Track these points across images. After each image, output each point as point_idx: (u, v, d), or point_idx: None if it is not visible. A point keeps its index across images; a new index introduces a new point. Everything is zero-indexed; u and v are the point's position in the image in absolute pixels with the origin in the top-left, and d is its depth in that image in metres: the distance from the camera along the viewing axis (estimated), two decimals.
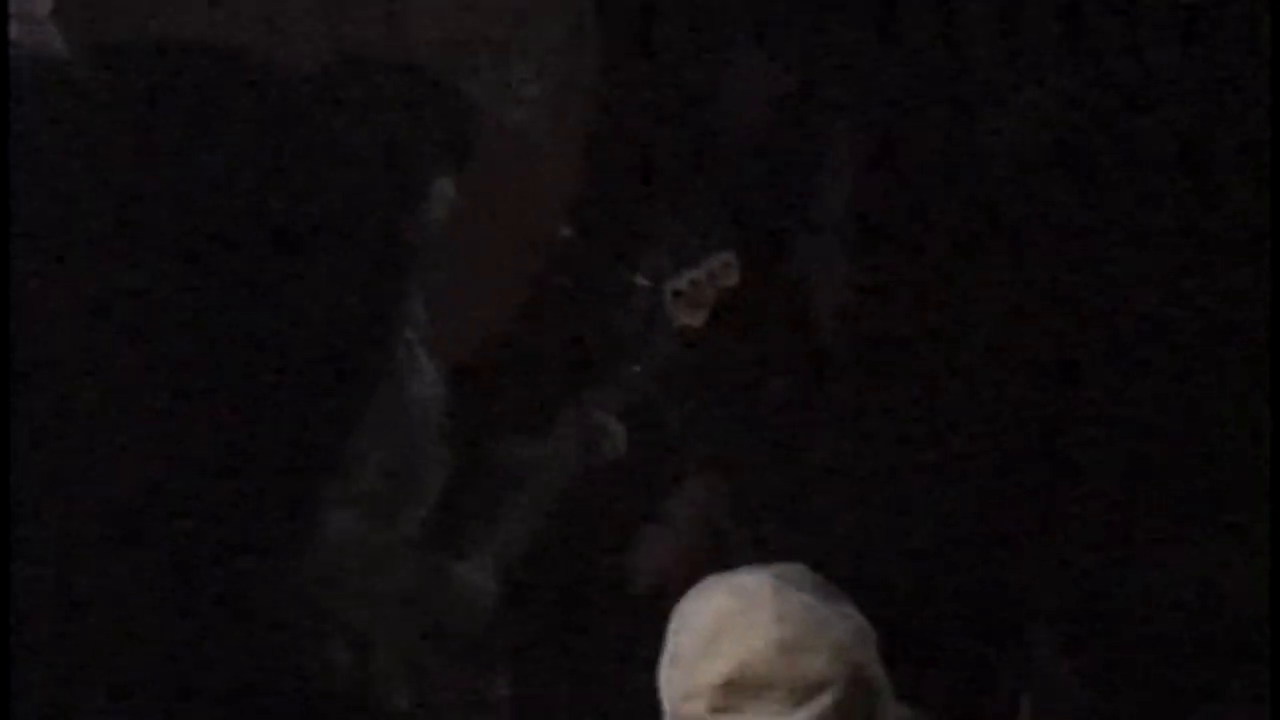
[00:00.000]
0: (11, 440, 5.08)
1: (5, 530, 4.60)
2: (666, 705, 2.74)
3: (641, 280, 5.33)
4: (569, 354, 5.45)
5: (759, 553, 3.43)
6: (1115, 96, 6.28)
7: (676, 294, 5.22)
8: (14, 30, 5.31)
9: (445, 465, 5.00)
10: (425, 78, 5.13)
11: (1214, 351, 6.31)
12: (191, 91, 5.50)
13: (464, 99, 5.08)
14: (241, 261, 5.33)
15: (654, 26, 5.88)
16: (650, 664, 2.77)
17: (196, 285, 5.36)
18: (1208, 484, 6.01)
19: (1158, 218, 6.24)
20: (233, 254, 5.33)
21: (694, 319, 5.19)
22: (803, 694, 2.66)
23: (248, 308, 5.24)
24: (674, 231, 5.65)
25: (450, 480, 5.01)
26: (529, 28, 5.66)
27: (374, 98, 5.18)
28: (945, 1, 6.11)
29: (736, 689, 2.67)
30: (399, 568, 4.97)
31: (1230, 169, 6.38)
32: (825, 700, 2.65)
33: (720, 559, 3.37)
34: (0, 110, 5.15)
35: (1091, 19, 6.31)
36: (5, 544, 4.75)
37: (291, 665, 5.24)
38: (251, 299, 5.29)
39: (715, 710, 2.67)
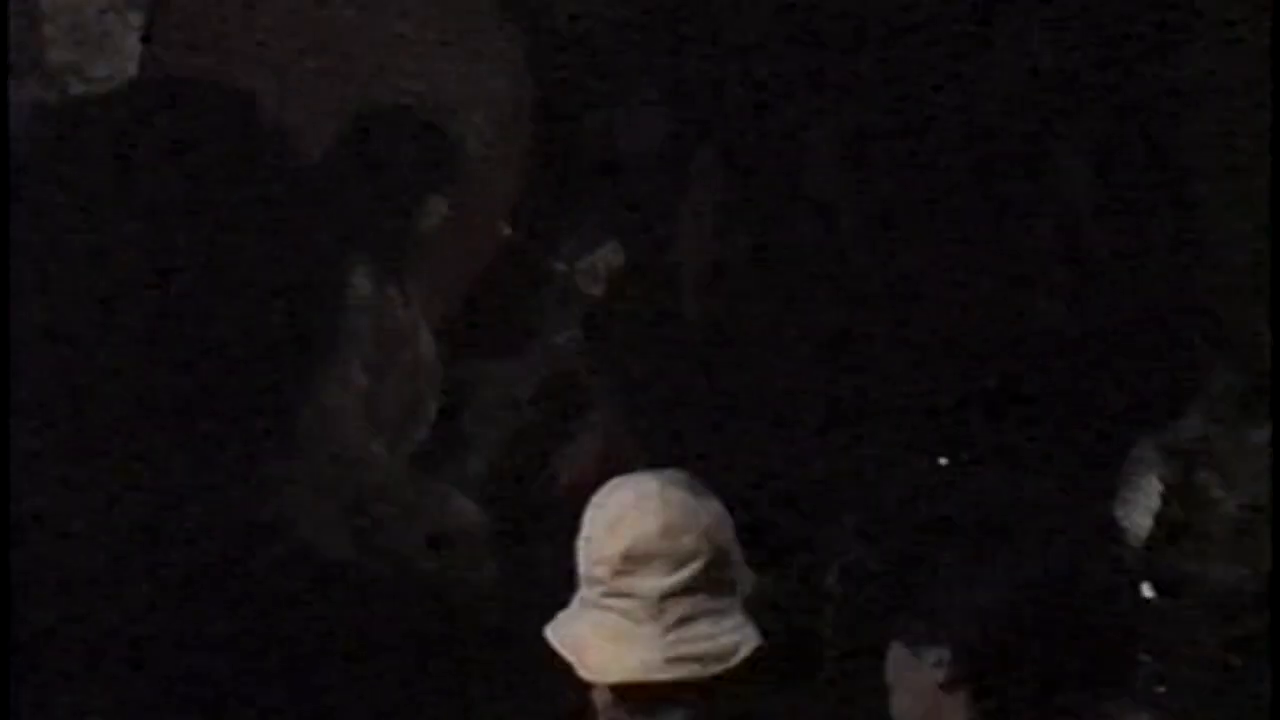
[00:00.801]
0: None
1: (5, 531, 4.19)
2: (582, 570, 2.98)
3: (559, 264, 5.65)
4: (513, 314, 5.73)
5: (650, 462, 3.40)
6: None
7: (582, 272, 5.58)
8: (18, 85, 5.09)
9: (436, 398, 5.19)
10: (419, 120, 5.41)
11: None
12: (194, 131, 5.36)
13: (447, 136, 5.37)
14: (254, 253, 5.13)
15: (569, 77, 6.25)
16: (573, 540, 3.01)
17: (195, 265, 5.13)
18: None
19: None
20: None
21: (595, 290, 5.55)
22: (678, 563, 2.93)
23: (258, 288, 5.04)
24: (582, 227, 5.97)
25: (440, 410, 5.21)
26: (483, 82, 6.00)
27: (376, 134, 5.38)
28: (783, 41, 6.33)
29: (631, 559, 2.92)
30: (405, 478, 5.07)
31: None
32: (695, 566, 2.93)
33: (621, 466, 3.20)
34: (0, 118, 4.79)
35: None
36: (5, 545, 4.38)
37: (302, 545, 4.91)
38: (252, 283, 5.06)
39: (616, 574, 2.92)
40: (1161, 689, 3.77)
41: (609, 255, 5.51)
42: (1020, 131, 6.60)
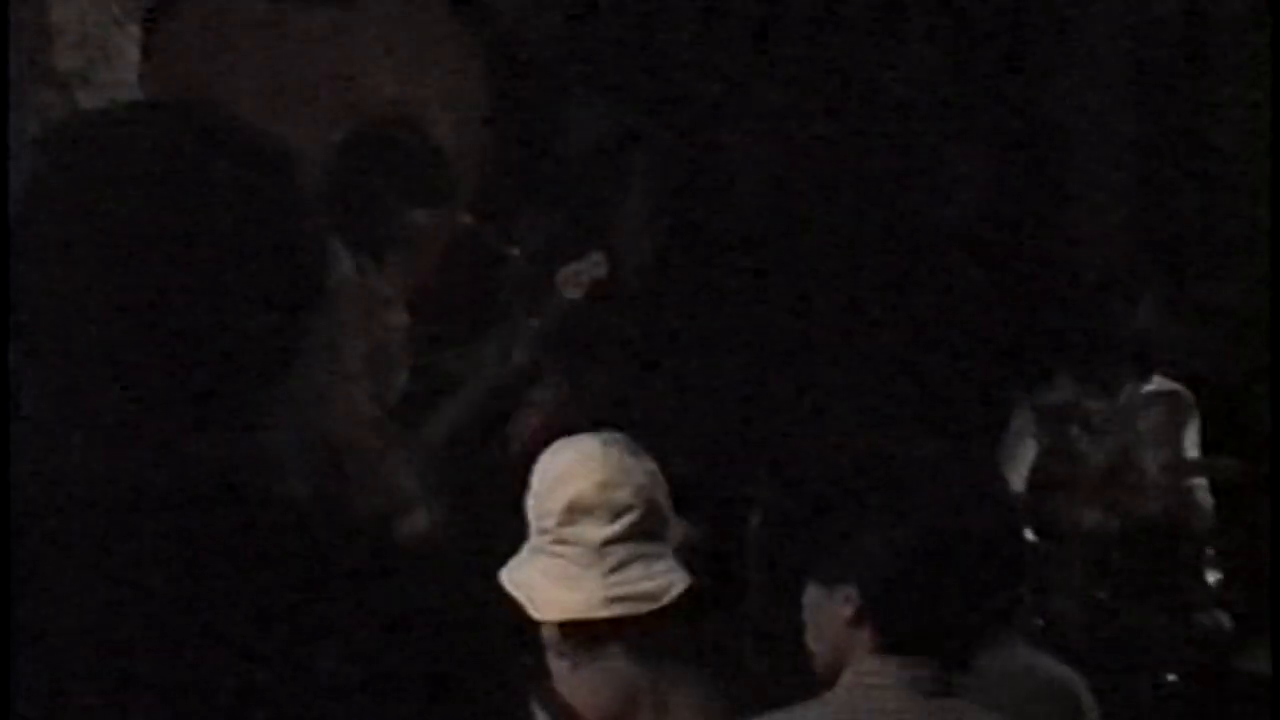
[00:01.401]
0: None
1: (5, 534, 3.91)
2: (532, 520, 3.00)
3: (513, 250, 5.41)
4: (478, 299, 5.65)
5: (592, 425, 3.28)
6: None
7: (565, 278, 5.22)
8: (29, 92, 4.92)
9: (407, 365, 5.06)
10: (409, 134, 5.16)
11: None
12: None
13: (437, 150, 5.15)
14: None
15: (521, 83, 6.25)
16: (523, 490, 3.03)
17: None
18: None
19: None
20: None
21: (575, 294, 5.20)
22: (616, 514, 2.94)
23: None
24: (561, 235, 5.85)
25: (410, 375, 5.07)
26: (446, 87, 6.03)
27: (367, 146, 5.08)
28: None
29: (574, 511, 2.94)
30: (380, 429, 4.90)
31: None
32: (631, 517, 2.94)
33: (566, 430, 3.22)
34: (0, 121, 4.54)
35: None
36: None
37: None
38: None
39: (561, 524, 2.94)
40: (1039, 621, 3.80)
41: (592, 267, 5.28)
42: (921, 130, 6.58)
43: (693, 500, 3.31)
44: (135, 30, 5.36)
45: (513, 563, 3.00)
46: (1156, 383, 5.58)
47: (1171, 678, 4.22)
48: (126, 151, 1.55)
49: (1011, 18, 6.56)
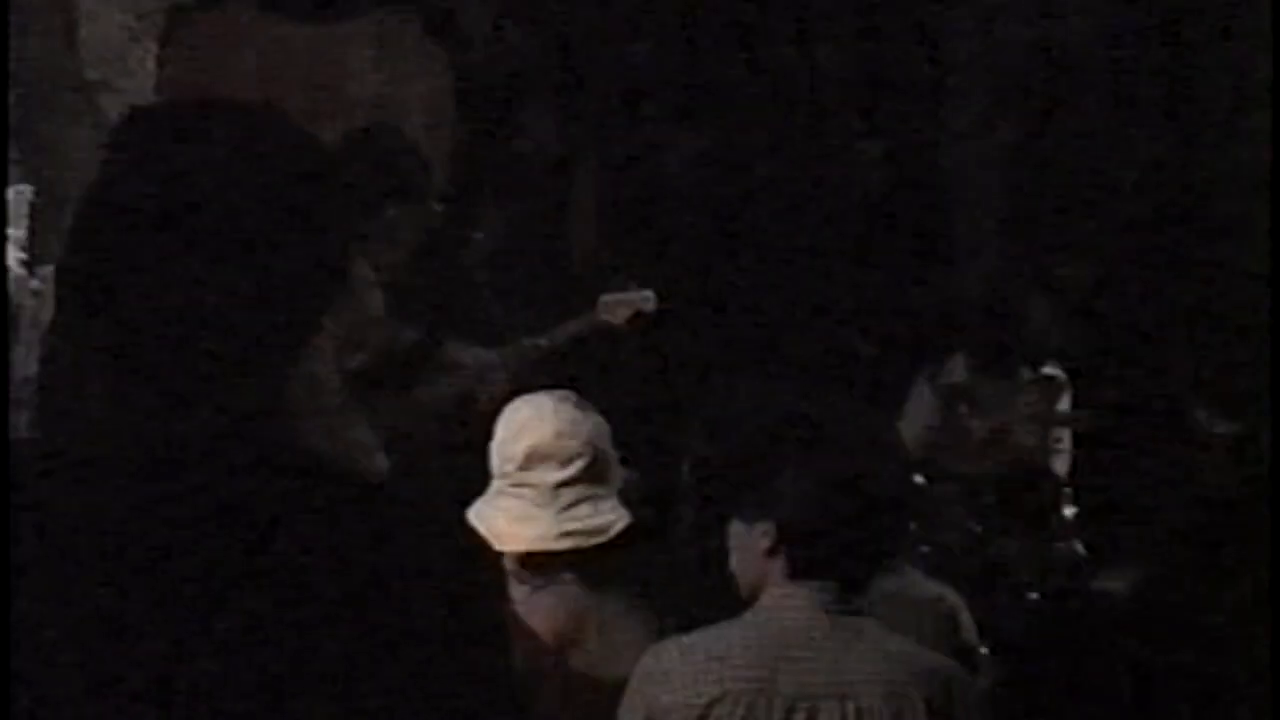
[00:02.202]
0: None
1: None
2: (495, 466, 2.99)
3: (476, 235, 5.36)
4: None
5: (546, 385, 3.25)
6: None
7: (607, 304, 4.95)
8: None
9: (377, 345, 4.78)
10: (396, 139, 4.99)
11: None
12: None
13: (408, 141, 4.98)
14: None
15: (482, 90, 6.16)
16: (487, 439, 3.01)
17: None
18: None
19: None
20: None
21: (614, 318, 4.92)
22: (567, 460, 2.94)
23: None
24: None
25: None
26: (416, 93, 5.99)
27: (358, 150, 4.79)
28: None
29: (532, 458, 2.93)
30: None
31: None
32: (580, 463, 2.94)
33: (526, 390, 3.19)
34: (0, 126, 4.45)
35: None
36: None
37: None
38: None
39: (520, 469, 2.93)
40: (925, 549, 3.82)
41: (641, 301, 4.91)
42: (829, 130, 6.54)
43: (633, 449, 3.29)
44: (151, 45, 5.33)
45: (478, 504, 2.98)
46: (1043, 370, 5.57)
47: (1034, 596, 4.23)
48: (190, 143, 1.51)
49: (904, 33, 6.53)
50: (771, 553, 2.73)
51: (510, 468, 2.94)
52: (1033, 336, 5.57)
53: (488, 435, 3.02)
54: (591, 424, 2.99)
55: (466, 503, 2.96)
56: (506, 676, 1.52)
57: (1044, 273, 6.02)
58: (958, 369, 5.57)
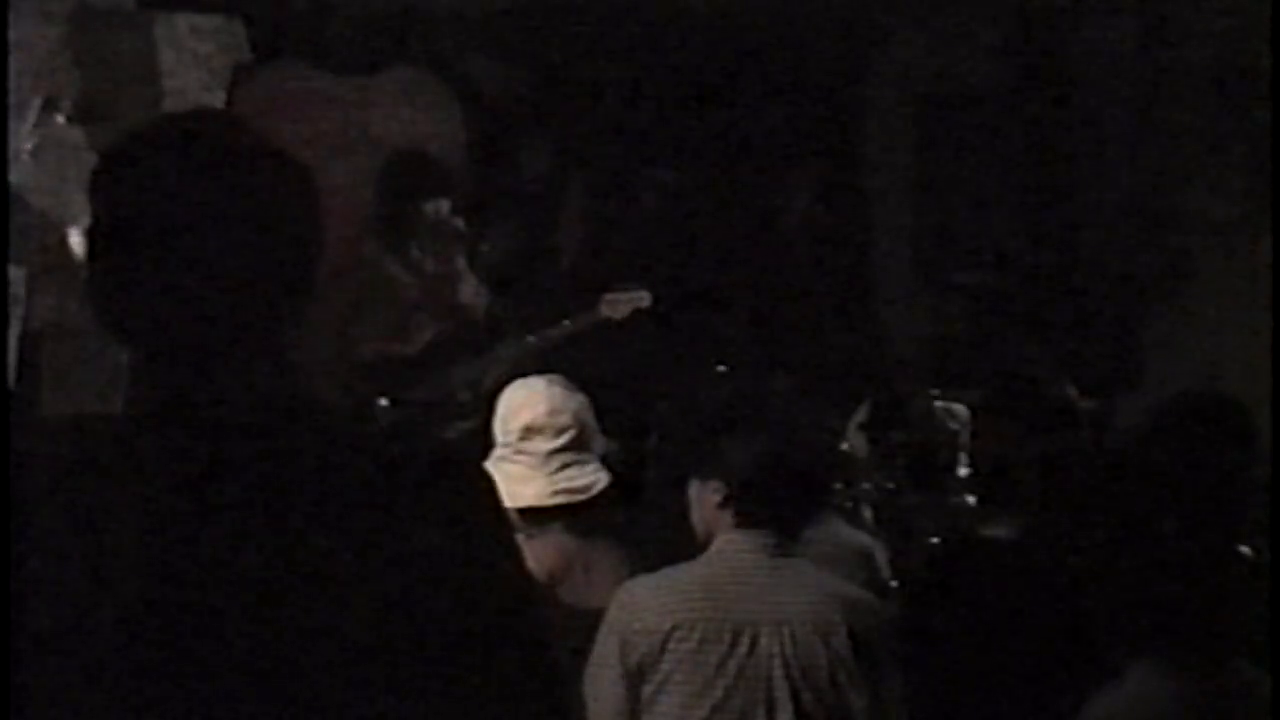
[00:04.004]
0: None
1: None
2: (498, 438, 2.98)
3: (486, 248, 5.25)
4: None
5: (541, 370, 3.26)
6: None
7: (610, 301, 4.91)
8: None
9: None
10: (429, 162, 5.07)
11: None
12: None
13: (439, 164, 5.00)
14: None
15: (488, 125, 6.06)
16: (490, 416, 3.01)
17: None
18: None
19: None
20: None
21: (615, 315, 4.90)
22: (559, 432, 2.93)
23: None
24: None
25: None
26: (431, 127, 5.87)
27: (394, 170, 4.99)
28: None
29: (529, 430, 2.93)
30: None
31: None
32: (569, 435, 2.93)
33: (520, 374, 3.20)
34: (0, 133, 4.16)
35: None
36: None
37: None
38: None
39: (519, 440, 2.92)
40: (850, 504, 3.82)
41: (637, 298, 4.89)
42: (766, 176, 6.47)
43: (612, 424, 3.27)
44: (220, 94, 5.27)
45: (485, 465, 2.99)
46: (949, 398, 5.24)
47: (934, 540, 4.21)
48: (191, 149, 1.42)
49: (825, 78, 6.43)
50: (722, 506, 2.73)
51: (511, 438, 2.92)
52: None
53: (490, 410, 3.02)
54: (577, 402, 2.97)
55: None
56: (529, 593, 1.44)
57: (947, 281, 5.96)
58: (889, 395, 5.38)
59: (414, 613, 1.32)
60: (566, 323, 4.84)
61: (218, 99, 5.15)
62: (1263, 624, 2.11)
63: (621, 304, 4.88)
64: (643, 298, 4.88)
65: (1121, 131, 6.02)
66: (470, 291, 4.88)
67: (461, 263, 4.93)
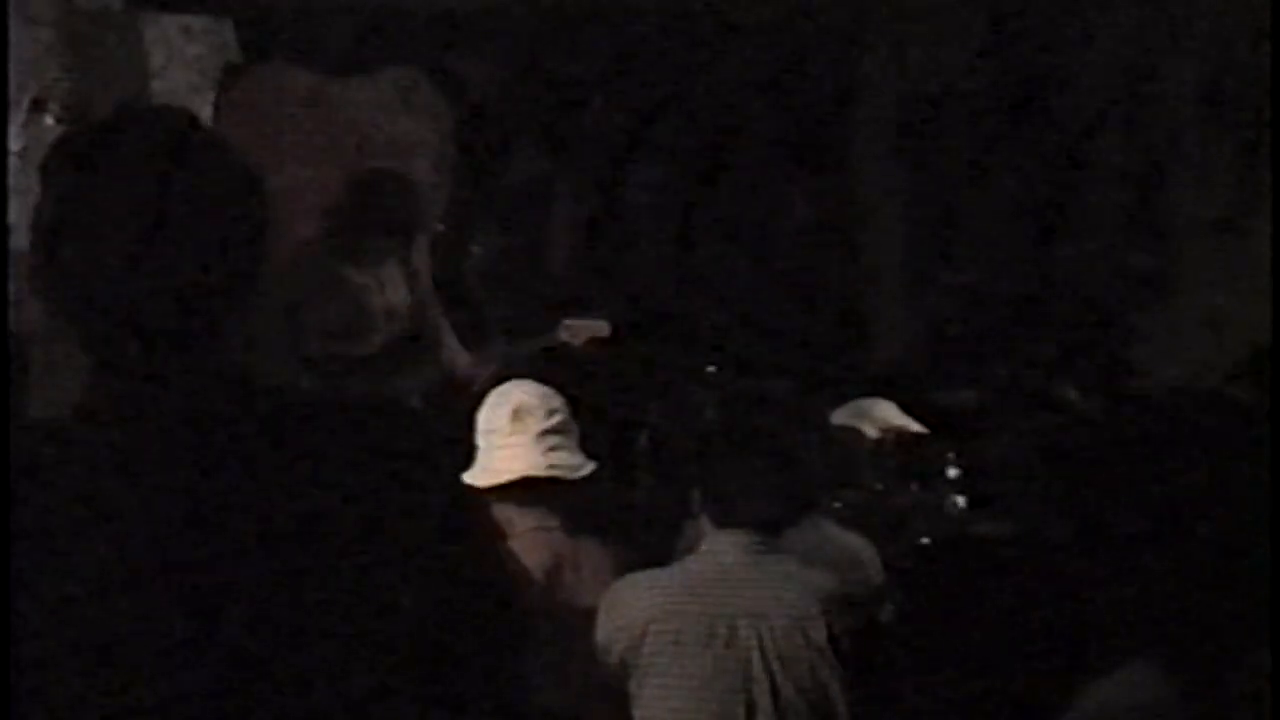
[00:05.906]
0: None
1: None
2: (481, 432, 3.01)
3: (475, 247, 5.58)
4: None
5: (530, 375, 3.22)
6: None
7: (569, 327, 4.83)
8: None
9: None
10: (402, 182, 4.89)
11: None
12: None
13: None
14: None
15: (478, 134, 6.09)
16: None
17: None
18: None
19: None
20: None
21: (574, 342, 4.81)
22: (550, 413, 2.99)
23: None
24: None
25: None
26: (421, 138, 5.88)
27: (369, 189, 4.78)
28: None
29: (520, 412, 2.98)
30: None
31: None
32: (559, 418, 2.98)
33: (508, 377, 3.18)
34: None
35: None
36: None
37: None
38: None
39: (510, 423, 2.97)
40: (838, 505, 3.86)
41: (596, 328, 4.82)
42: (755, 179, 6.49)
43: (604, 425, 3.37)
44: (209, 94, 5.26)
45: (478, 456, 2.98)
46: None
47: (925, 540, 4.22)
48: (134, 148, 1.43)
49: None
50: (705, 507, 2.79)
51: (501, 424, 2.95)
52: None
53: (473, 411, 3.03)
54: (558, 399, 3.03)
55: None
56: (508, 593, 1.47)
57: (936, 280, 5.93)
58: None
59: (382, 601, 1.37)
60: (523, 346, 4.86)
61: (206, 100, 5.17)
62: (1263, 624, 2.11)
63: (580, 331, 4.84)
64: (602, 328, 4.83)
65: (1114, 131, 6.07)
66: (427, 298, 4.83)
67: (422, 268, 4.90)
